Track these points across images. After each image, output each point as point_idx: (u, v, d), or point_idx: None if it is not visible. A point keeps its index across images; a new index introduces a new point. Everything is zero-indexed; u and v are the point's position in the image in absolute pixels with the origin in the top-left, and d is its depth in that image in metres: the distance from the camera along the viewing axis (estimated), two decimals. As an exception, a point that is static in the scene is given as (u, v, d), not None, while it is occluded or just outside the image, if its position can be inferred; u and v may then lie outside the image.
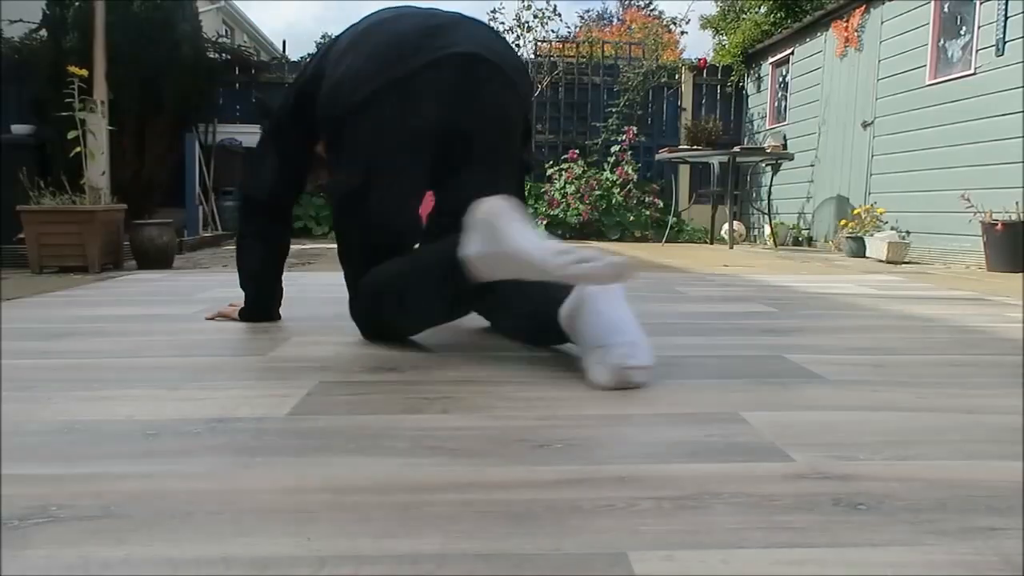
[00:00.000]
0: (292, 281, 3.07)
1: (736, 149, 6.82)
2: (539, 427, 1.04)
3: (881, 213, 5.47)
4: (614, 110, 8.24)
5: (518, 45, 8.77)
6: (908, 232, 5.42)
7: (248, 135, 7.43)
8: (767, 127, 7.89)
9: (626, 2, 23.64)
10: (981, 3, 4.76)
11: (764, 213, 7.21)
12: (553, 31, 10.65)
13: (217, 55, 7.72)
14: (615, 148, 7.86)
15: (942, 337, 1.82)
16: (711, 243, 7.16)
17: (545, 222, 7.46)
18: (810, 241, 6.92)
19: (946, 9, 5.22)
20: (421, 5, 1.73)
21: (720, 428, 1.03)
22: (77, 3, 5.88)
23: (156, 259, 3.99)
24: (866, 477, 0.85)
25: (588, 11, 32.32)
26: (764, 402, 1.18)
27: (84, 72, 3.94)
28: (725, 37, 9.06)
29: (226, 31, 12.47)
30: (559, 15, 10.19)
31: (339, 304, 2.35)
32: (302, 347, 1.61)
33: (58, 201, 3.76)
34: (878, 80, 5.92)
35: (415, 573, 0.63)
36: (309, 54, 9.34)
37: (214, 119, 7.25)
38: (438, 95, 1.52)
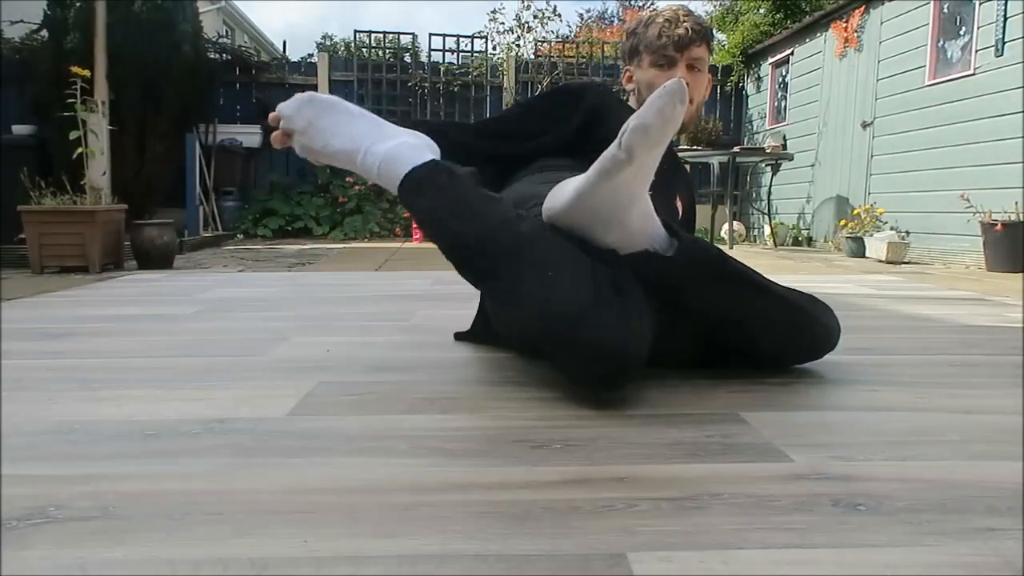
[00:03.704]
0: (292, 281, 3.07)
1: (736, 149, 6.82)
2: (538, 427, 1.03)
3: (881, 213, 5.47)
4: (614, 110, 8.23)
5: (518, 45, 8.78)
6: (908, 232, 5.42)
7: (248, 135, 7.45)
8: (767, 127, 7.89)
9: (627, 2, 23.63)
10: (981, 3, 4.76)
11: (764, 213, 7.21)
12: (553, 31, 10.67)
13: (217, 55, 7.72)
14: (615, 148, 7.85)
15: (942, 337, 1.82)
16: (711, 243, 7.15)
17: None
18: (810, 241, 6.92)
19: (946, 9, 5.22)
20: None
21: (719, 428, 1.03)
22: (78, 4, 5.88)
23: (157, 259, 3.99)
24: (866, 477, 0.85)
25: (588, 11, 32.31)
26: (763, 402, 1.18)
27: (85, 72, 3.94)
28: (724, 36, 9.06)
29: (226, 31, 12.48)
30: (559, 15, 10.20)
31: (339, 304, 2.36)
32: (302, 347, 1.61)
33: (59, 201, 3.76)
34: (878, 80, 5.92)
35: (414, 573, 0.63)
36: (309, 54, 9.35)
37: (214, 119, 7.25)
38: None
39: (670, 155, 1.73)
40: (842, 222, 5.77)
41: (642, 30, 1.67)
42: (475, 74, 8.34)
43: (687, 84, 1.59)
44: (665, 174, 1.67)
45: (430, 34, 10.27)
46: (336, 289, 2.78)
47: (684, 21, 1.63)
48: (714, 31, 9.35)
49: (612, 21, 23.15)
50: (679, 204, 1.67)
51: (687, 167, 1.93)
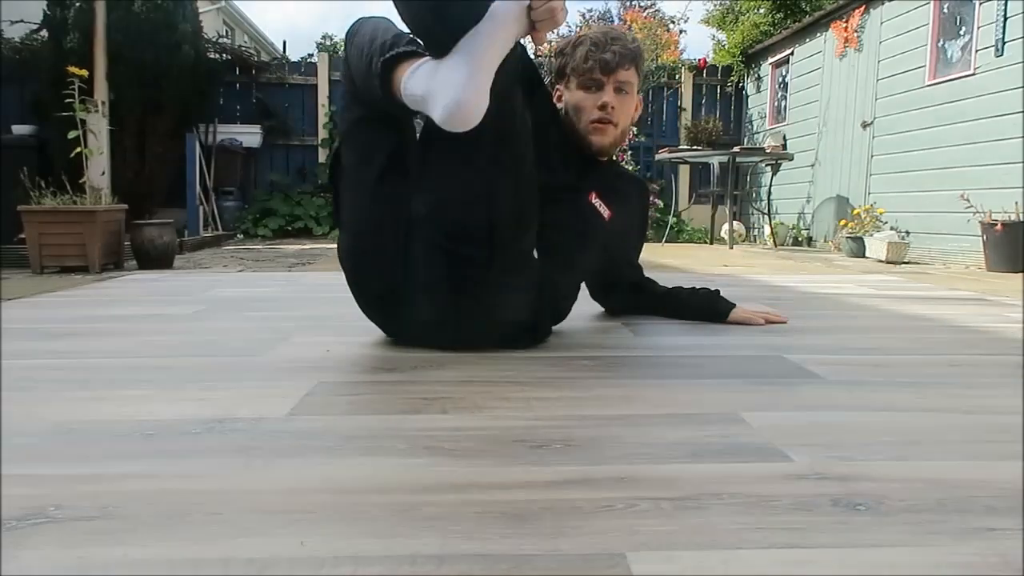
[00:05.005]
0: (292, 281, 3.08)
1: (736, 149, 6.82)
2: (538, 427, 1.04)
3: (881, 213, 5.47)
4: (614, 110, 8.23)
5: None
6: (908, 232, 5.41)
7: (248, 135, 7.45)
8: (767, 127, 7.89)
9: (627, 2, 23.64)
10: (981, 3, 4.76)
11: (764, 213, 7.21)
12: (554, 31, 10.65)
13: (217, 55, 7.72)
14: (615, 148, 7.86)
15: (942, 337, 1.82)
16: (711, 243, 7.16)
17: None
18: (810, 241, 6.92)
19: (946, 9, 5.22)
20: None
21: (720, 428, 1.03)
22: (78, 4, 5.88)
23: (157, 259, 3.99)
24: (865, 477, 0.85)
25: (590, 10, 32.28)
26: (764, 402, 1.18)
27: (83, 72, 3.94)
28: (724, 35, 9.06)
29: (226, 31, 12.47)
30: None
31: (339, 304, 2.36)
32: (302, 347, 1.61)
33: (59, 201, 3.76)
34: (878, 80, 5.92)
35: (414, 573, 0.63)
36: (309, 54, 9.35)
37: (214, 119, 7.25)
38: None
39: (583, 162, 1.73)
40: (842, 222, 5.77)
41: (570, 51, 1.68)
42: (475, 74, 8.31)
43: (612, 108, 1.63)
44: (580, 175, 1.68)
45: (430, 34, 10.19)
46: (336, 289, 2.77)
47: (612, 45, 1.63)
48: (715, 31, 9.36)
49: (613, 21, 23.15)
50: (600, 205, 1.69)
51: (642, 188, 1.93)
